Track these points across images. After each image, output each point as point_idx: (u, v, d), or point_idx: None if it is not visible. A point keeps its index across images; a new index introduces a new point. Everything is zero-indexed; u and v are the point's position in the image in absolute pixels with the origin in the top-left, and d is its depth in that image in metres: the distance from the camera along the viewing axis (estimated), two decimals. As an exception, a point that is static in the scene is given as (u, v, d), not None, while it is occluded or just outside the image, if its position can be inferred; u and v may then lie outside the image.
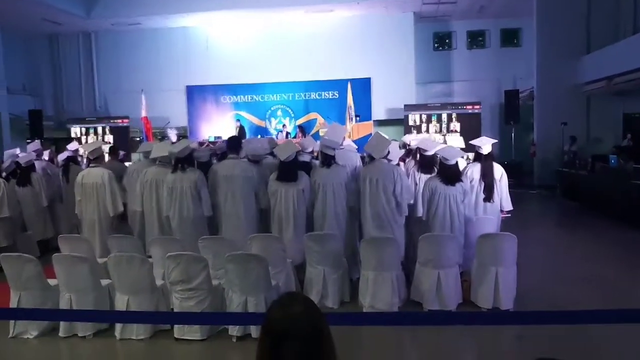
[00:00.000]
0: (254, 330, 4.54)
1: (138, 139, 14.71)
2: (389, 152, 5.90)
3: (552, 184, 13.24)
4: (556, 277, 6.29)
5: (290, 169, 5.88)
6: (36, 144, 9.34)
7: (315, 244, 5.45)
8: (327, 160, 5.96)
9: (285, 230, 5.83)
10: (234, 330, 4.62)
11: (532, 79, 14.76)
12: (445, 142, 7.27)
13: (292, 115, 15.65)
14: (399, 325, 4.62)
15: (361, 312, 5.07)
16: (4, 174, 7.78)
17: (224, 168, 6.23)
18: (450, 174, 5.46)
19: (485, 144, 6.14)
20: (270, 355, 1.42)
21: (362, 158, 6.97)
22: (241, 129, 14.62)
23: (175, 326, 4.71)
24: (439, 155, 5.77)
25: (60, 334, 4.83)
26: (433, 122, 14.25)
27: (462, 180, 5.54)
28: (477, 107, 14.35)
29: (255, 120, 15.81)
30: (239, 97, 15.85)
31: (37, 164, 8.53)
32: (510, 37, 16.58)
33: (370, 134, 12.46)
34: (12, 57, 15.19)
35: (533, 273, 6.11)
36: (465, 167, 6.25)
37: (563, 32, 13.92)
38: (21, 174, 7.95)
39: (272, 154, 6.55)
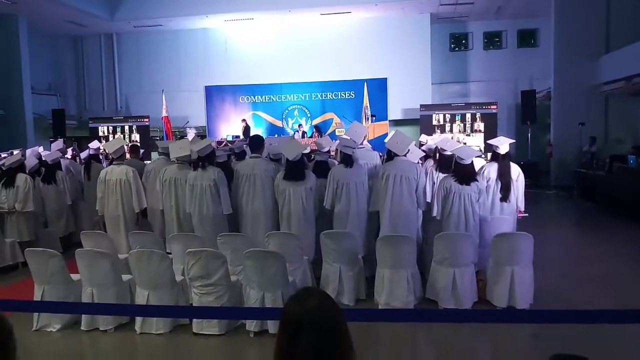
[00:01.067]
0: (271, 326, 4.61)
1: (158, 138, 14.92)
2: (409, 150, 5.95)
3: (570, 185, 13.13)
4: (573, 277, 6.27)
5: (298, 168, 5.95)
6: (60, 143, 9.55)
7: (331, 242, 5.51)
8: (348, 159, 6.01)
9: (295, 228, 5.89)
10: (252, 326, 4.70)
11: (549, 79, 14.65)
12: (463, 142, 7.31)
13: (309, 115, 15.74)
14: (413, 322, 4.67)
15: (376, 309, 5.12)
16: (27, 172, 7.95)
17: (244, 167, 6.34)
18: (465, 173, 5.47)
19: (503, 144, 6.15)
20: (287, 347, 1.47)
21: (381, 157, 7.02)
22: (246, 129, 14.70)
23: (194, 321, 4.80)
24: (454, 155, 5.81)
25: (82, 327, 4.95)
26: (457, 121, 14.23)
27: (477, 180, 5.56)
28: (494, 107, 14.30)
29: (272, 120, 15.93)
30: (256, 97, 15.98)
31: (61, 162, 8.74)
32: (527, 38, 16.47)
33: (386, 133, 12.48)
34: (38, 58, 15.52)
35: (549, 273, 6.09)
36: (482, 167, 6.26)
37: (581, 32, 13.79)
38: (46, 171, 8.13)
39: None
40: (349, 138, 6.34)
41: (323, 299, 1.54)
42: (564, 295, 5.53)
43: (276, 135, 13.89)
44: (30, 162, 8.40)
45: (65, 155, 9.47)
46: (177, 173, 6.41)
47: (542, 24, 15.65)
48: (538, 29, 16.17)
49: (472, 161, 5.58)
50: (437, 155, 6.47)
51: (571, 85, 13.87)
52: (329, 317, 1.49)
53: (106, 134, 15.61)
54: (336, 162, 6.52)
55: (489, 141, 6.52)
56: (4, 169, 7.50)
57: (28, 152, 9.86)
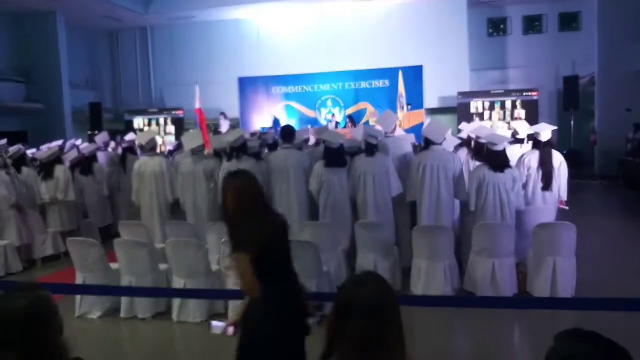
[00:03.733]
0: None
1: (191, 130, 15.09)
2: (444, 138, 5.82)
3: (615, 174, 12.66)
4: (616, 268, 6.03)
5: (340, 155, 5.90)
6: (104, 135, 9.77)
7: (366, 232, 5.45)
8: (370, 148, 5.92)
9: (339, 218, 5.84)
10: (286, 315, 4.70)
11: (593, 64, 14.11)
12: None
13: (342, 105, 15.61)
14: (451, 307, 4.59)
15: (413, 295, 5.05)
16: (68, 164, 8.14)
17: (276, 158, 6.32)
18: (498, 160, 5.31)
19: (545, 130, 5.95)
20: (338, 325, 1.49)
21: (414, 146, 6.90)
22: (275, 122, 14.69)
23: (230, 310, 4.83)
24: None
25: (122, 315, 5.10)
26: (496, 109, 13.85)
27: (510, 167, 5.38)
28: (534, 93, 13.85)
29: (305, 111, 15.88)
30: (289, 87, 15.95)
31: (103, 154, 8.93)
32: (569, 21, 15.87)
33: (422, 122, 12.29)
34: (75, 53, 15.88)
35: (592, 264, 5.87)
36: (523, 155, 6.09)
37: (627, 14, 13.21)
38: (84, 163, 8.32)
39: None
40: (375, 127, 6.26)
41: (382, 286, 1.54)
42: (606, 286, 5.32)
43: (309, 126, 13.85)
44: (71, 154, 8.60)
45: (108, 148, 9.68)
46: (194, 165, 6.41)
47: (585, 6, 15.06)
48: (580, 12, 15.57)
49: (505, 148, 5.41)
50: (472, 143, 6.32)
51: (616, 70, 13.33)
52: (385, 304, 1.49)
53: (141, 126, 15.88)
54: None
55: (530, 128, 6.34)
56: (43, 162, 7.69)
57: (67, 144, 10.14)
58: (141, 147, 7.83)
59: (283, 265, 2.59)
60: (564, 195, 6.05)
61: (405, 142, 6.77)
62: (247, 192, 2.58)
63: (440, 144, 5.76)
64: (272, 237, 2.54)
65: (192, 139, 6.51)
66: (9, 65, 13.95)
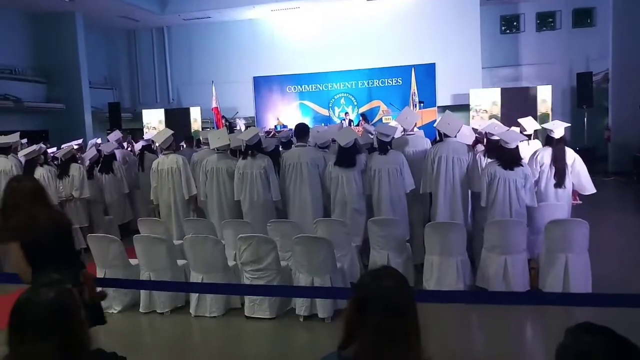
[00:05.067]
0: (320, 310, 4.72)
1: (208, 129, 15.26)
2: (458, 131, 5.87)
3: (629, 171, 12.56)
4: (631, 265, 6.04)
5: (350, 155, 5.97)
6: (117, 134, 9.94)
7: (379, 229, 5.53)
8: (383, 146, 6.00)
9: (349, 214, 5.93)
10: (301, 310, 4.81)
11: (607, 60, 13.98)
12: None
13: (355, 103, 15.68)
14: (463, 302, 4.63)
15: (426, 290, 5.11)
16: (88, 162, 8.33)
17: (290, 156, 6.42)
18: (510, 158, 5.34)
19: (558, 127, 5.96)
20: (355, 319, 1.54)
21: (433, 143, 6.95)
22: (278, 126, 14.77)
23: (246, 305, 4.97)
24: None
25: (141, 309, 5.25)
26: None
27: (522, 165, 5.42)
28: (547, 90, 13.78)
29: (318, 109, 15.97)
30: (303, 86, 16.05)
31: (117, 152, 9.11)
32: (583, 17, 15.73)
33: (435, 120, 12.29)
34: (94, 53, 16.14)
35: (606, 260, 5.88)
36: (536, 152, 6.11)
37: (643, 9, 13.09)
38: (103, 162, 8.50)
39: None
40: (386, 125, 6.31)
41: (400, 281, 1.58)
42: (623, 283, 5.32)
43: (323, 124, 13.92)
44: (90, 152, 8.79)
45: (122, 146, 9.86)
46: (218, 162, 6.56)
47: (600, 2, 14.92)
48: (595, 8, 15.43)
49: (517, 146, 5.45)
50: (485, 140, 6.36)
51: (631, 66, 13.20)
52: (401, 299, 1.53)
53: (154, 124, 16.07)
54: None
55: (543, 125, 6.36)
56: (63, 160, 7.88)
57: (89, 143, 10.35)
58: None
59: (53, 254, 2.87)
60: (592, 188, 5.97)
61: (424, 139, 6.82)
62: (20, 191, 2.94)
63: (455, 137, 5.82)
64: (35, 229, 2.85)
65: (219, 137, 6.60)
66: (30, 65, 14.22)
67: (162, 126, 15.44)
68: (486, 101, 13.88)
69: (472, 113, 13.86)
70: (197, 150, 8.46)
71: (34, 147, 7.70)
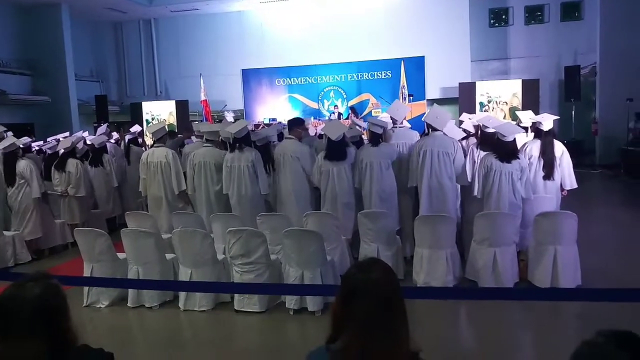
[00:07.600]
0: (310, 304, 4.70)
1: (197, 122, 15.14)
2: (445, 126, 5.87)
3: (616, 163, 12.69)
4: (621, 257, 6.10)
5: (340, 148, 5.96)
6: (104, 127, 9.83)
7: (369, 222, 5.52)
8: (375, 138, 5.99)
9: (339, 208, 5.92)
10: (291, 303, 4.79)
11: (594, 54, 14.08)
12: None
13: (345, 96, 15.65)
14: (453, 299, 4.64)
15: (415, 287, 5.12)
16: (77, 156, 8.20)
17: (279, 149, 6.43)
18: (507, 151, 5.35)
19: (547, 120, 5.98)
20: (342, 310, 1.52)
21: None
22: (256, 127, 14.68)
23: (236, 299, 4.93)
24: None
25: (129, 304, 5.18)
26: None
27: (518, 157, 5.43)
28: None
29: (308, 102, 15.92)
30: (292, 79, 15.98)
31: (108, 145, 9.00)
32: (571, 11, 15.80)
33: (424, 113, 12.29)
34: (80, 45, 15.90)
35: (595, 252, 5.94)
36: (525, 144, 6.13)
37: (629, 4, 13.15)
38: (94, 155, 8.38)
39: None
40: (379, 117, 6.30)
41: (387, 272, 1.57)
42: (613, 275, 5.38)
43: (312, 118, 13.86)
44: (80, 147, 8.67)
45: (110, 140, 9.75)
46: (205, 156, 6.51)
47: (588, -4, 15.02)
48: (583, 2, 15.50)
49: (515, 138, 5.46)
50: (479, 132, 6.36)
51: (618, 60, 13.29)
52: (388, 291, 1.52)
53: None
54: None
55: (531, 117, 6.38)
56: (57, 153, 7.75)
57: (75, 136, 10.19)
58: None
59: None
60: (573, 183, 6.03)
61: (413, 133, 6.83)
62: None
63: (442, 131, 5.82)
64: None
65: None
66: (15, 57, 14.02)
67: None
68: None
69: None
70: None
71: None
